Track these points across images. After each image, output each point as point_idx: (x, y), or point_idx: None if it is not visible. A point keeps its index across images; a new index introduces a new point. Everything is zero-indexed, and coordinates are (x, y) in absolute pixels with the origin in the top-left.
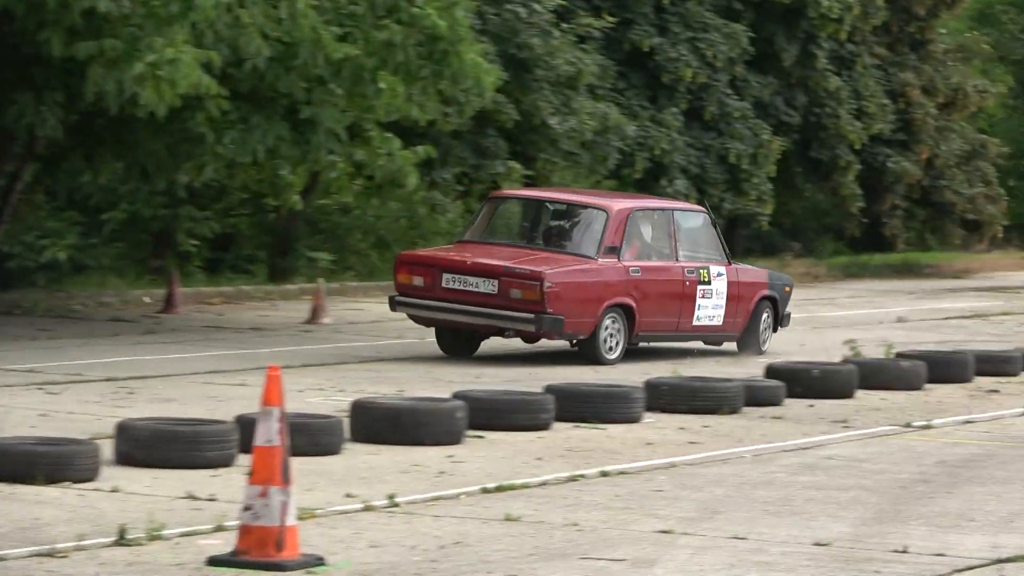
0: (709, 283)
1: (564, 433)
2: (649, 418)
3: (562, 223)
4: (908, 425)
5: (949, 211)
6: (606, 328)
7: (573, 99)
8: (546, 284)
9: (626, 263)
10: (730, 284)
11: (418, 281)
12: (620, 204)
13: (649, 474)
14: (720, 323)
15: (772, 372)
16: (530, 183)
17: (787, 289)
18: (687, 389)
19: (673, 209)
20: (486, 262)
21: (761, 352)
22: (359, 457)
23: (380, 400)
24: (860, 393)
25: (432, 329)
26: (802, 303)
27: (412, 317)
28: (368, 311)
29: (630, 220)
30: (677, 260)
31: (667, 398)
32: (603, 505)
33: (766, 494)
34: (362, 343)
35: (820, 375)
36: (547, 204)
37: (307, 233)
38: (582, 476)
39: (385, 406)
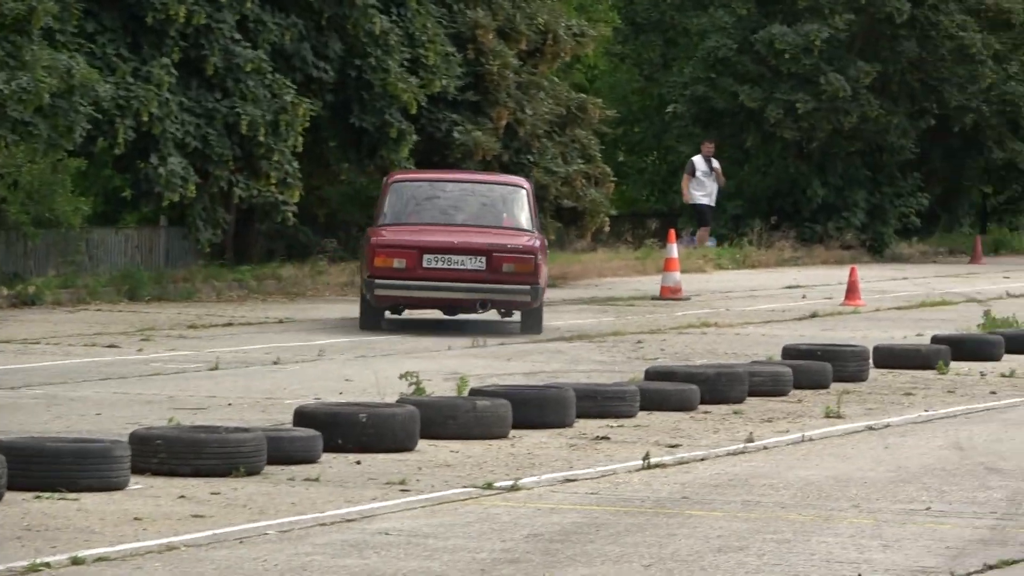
0: (545, 253)
1: (20, 506)
2: (137, 483)
3: (489, 201)
4: (488, 486)
5: (538, 196)
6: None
7: (24, 48)
8: (539, 257)
9: (541, 236)
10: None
11: (399, 264)
12: (523, 181)
13: (138, 560)
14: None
15: (303, 417)
16: None
17: None
18: (188, 443)
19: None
20: (474, 240)
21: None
22: None
23: None
24: (423, 444)
25: None
26: (345, 327)
27: (388, 298)
28: None
29: (531, 195)
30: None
31: (161, 456)
32: None
33: None
34: None
35: (368, 421)
36: (465, 184)
37: None
38: (46, 565)
39: None
